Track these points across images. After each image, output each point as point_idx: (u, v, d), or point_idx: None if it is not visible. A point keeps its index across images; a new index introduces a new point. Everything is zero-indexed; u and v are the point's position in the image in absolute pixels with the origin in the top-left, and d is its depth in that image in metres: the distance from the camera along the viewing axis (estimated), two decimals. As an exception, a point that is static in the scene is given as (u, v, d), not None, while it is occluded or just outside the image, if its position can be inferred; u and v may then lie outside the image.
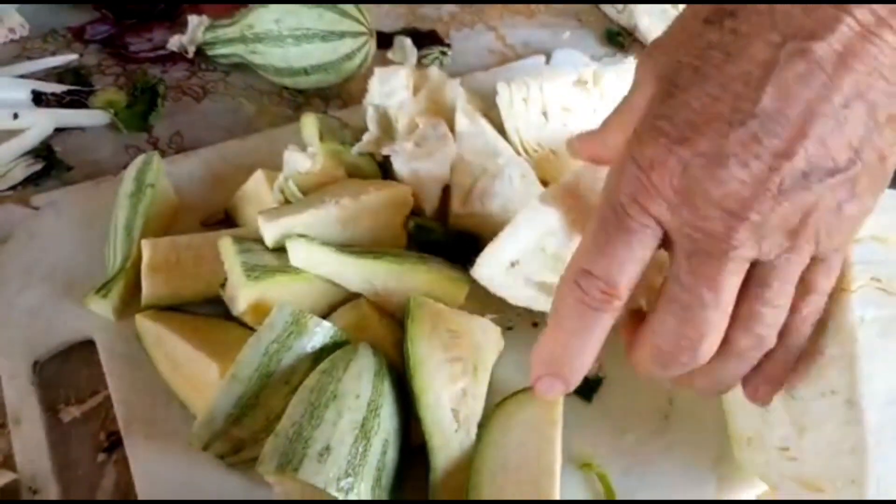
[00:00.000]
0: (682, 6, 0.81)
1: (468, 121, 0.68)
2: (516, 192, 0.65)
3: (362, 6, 0.79)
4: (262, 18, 0.79)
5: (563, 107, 0.72)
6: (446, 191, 0.68)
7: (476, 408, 0.53)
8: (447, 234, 0.65)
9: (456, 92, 0.71)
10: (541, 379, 0.41)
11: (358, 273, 0.56)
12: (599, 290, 0.36)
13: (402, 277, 0.56)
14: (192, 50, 0.89)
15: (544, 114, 0.71)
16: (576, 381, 0.40)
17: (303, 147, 0.68)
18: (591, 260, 0.37)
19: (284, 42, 0.79)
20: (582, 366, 0.39)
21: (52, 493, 0.52)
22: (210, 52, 0.87)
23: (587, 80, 0.72)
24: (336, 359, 0.51)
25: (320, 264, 0.56)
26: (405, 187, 0.63)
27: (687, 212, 0.33)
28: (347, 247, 0.58)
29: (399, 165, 0.66)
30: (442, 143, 0.66)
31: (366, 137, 0.68)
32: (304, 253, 0.55)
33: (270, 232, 0.57)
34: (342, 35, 0.78)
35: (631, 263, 0.36)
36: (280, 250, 0.57)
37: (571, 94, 0.72)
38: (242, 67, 0.87)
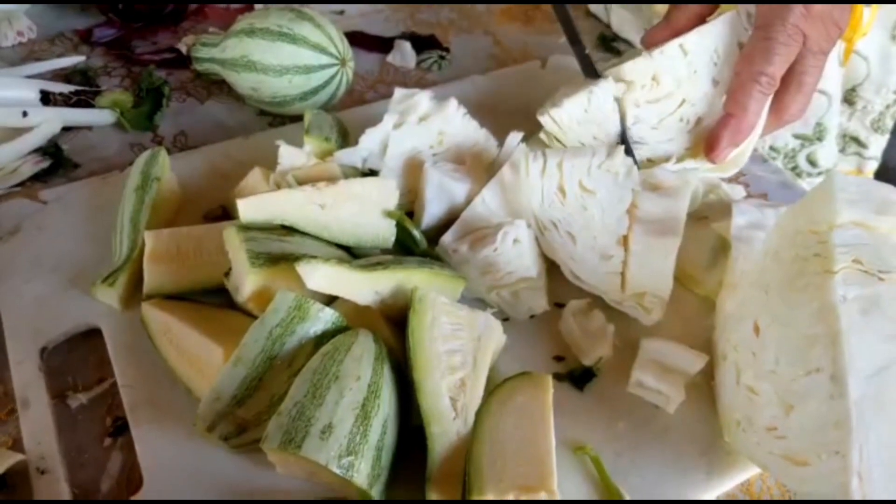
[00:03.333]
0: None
1: (512, 174, 0.66)
2: (504, 254, 0.63)
3: (335, 39, 0.80)
4: (240, 84, 0.82)
5: (584, 187, 0.64)
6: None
7: (474, 397, 0.54)
8: (425, 254, 0.66)
9: (514, 142, 0.72)
10: (723, 150, 0.67)
11: (368, 286, 0.57)
12: (770, 83, 0.64)
13: (404, 281, 0.58)
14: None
15: (561, 190, 0.65)
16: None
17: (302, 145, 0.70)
18: (765, 65, 0.63)
19: (265, 104, 0.83)
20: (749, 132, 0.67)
21: (60, 474, 0.54)
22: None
23: (618, 172, 0.64)
24: (338, 342, 0.53)
25: (334, 283, 0.56)
26: (389, 180, 0.65)
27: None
28: (354, 261, 0.59)
29: (431, 171, 0.67)
30: (475, 177, 0.68)
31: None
32: (318, 274, 0.55)
33: (245, 207, 0.59)
34: (317, 91, 0.80)
35: (785, 64, 0.64)
36: (283, 238, 0.59)
37: (595, 176, 0.64)
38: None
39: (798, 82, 0.66)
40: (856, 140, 0.99)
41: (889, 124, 0.97)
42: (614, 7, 1.03)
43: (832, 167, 0.99)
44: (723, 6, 0.70)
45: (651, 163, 0.72)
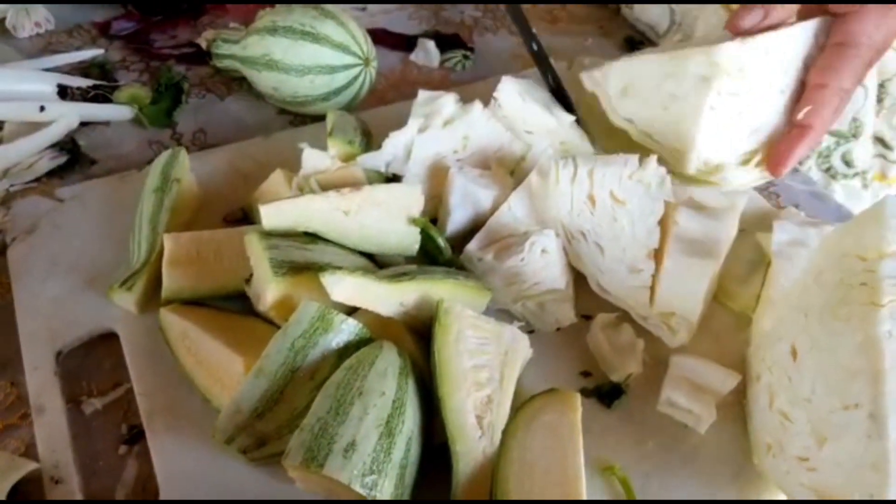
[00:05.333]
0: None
1: (540, 181, 0.64)
2: (531, 264, 0.61)
3: (359, 38, 0.78)
4: (260, 82, 0.80)
5: (615, 197, 0.62)
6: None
7: (501, 415, 0.53)
8: (450, 262, 0.64)
9: (543, 147, 0.71)
10: (793, 163, 0.62)
11: (393, 298, 0.56)
12: (847, 100, 0.61)
13: (429, 292, 0.56)
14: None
15: (591, 199, 0.62)
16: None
17: (324, 146, 0.69)
18: (851, 82, 0.60)
19: (286, 103, 0.81)
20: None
21: (74, 483, 0.52)
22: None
23: (650, 183, 0.61)
24: (362, 356, 0.51)
25: (358, 294, 0.54)
26: (414, 186, 0.63)
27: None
28: (379, 272, 0.57)
29: (456, 177, 0.65)
30: (501, 183, 0.67)
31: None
32: (343, 285, 0.53)
33: (267, 213, 0.57)
34: (339, 91, 0.79)
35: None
36: (305, 245, 0.57)
37: (627, 186, 0.61)
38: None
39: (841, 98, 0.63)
40: (881, 141, 0.96)
41: None
42: None
43: (867, 169, 0.96)
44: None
45: (705, 169, 0.66)
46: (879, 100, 0.92)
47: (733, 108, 0.63)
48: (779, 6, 0.61)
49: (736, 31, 0.62)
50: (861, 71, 0.61)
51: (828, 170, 0.95)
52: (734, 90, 0.61)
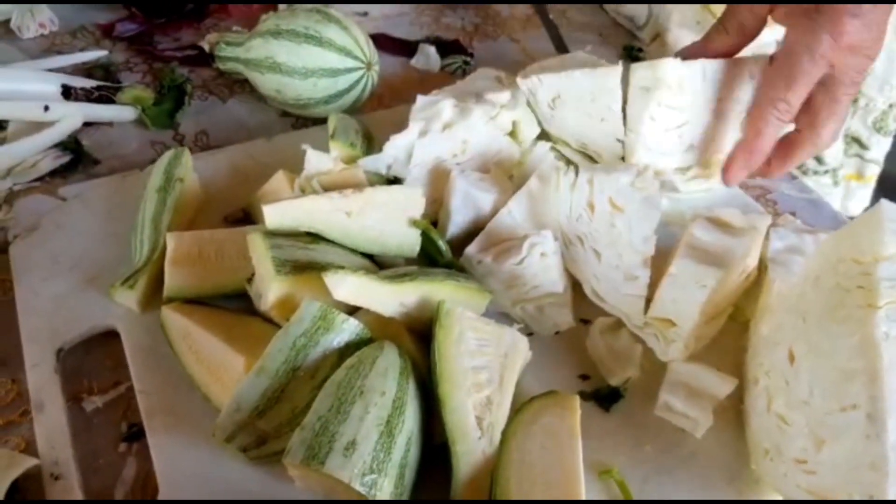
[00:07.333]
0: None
1: (540, 185, 0.65)
2: (529, 267, 0.62)
3: (361, 42, 0.79)
4: (263, 85, 0.81)
5: (614, 204, 0.61)
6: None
7: (500, 416, 0.53)
8: (450, 265, 0.64)
9: (542, 151, 0.72)
10: (737, 171, 0.66)
11: (395, 298, 0.56)
12: (787, 110, 0.63)
13: (430, 293, 0.57)
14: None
15: (590, 206, 0.63)
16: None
17: (325, 149, 0.69)
18: (786, 91, 0.62)
19: (288, 105, 0.82)
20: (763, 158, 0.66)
21: (74, 480, 0.52)
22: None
23: (648, 190, 0.61)
24: (363, 355, 0.51)
25: (360, 294, 0.55)
26: (415, 189, 0.64)
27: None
28: (381, 272, 0.58)
29: (457, 181, 0.66)
30: (501, 187, 0.67)
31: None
32: (346, 284, 0.54)
33: (271, 213, 0.58)
34: (342, 94, 0.79)
35: (806, 91, 0.62)
36: (308, 245, 0.58)
37: (625, 193, 0.61)
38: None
39: (829, 110, 0.64)
40: (857, 141, 0.99)
41: (892, 126, 0.97)
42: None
43: (838, 166, 0.99)
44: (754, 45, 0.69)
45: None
46: (854, 101, 0.94)
47: (671, 121, 0.68)
48: (717, 36, 0.68)
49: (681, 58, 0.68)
50: (802, 80, 0.62)
51: (799, 166, 0.98)
52: (673, 104, 0.66)
